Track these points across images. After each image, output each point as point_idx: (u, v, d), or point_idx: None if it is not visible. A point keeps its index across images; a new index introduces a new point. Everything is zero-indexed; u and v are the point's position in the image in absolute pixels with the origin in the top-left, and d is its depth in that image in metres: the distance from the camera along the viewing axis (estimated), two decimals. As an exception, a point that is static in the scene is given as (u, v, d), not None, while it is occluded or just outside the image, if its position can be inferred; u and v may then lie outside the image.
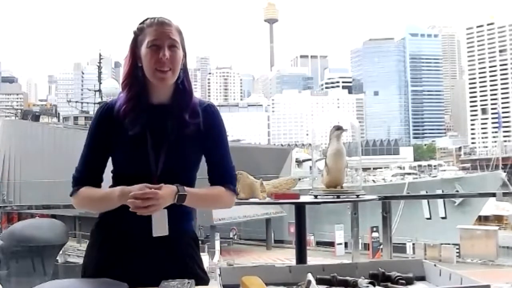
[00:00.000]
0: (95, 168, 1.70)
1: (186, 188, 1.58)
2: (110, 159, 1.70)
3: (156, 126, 1.64)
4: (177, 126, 1.63)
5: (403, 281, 1.18)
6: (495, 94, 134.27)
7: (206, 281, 1.62)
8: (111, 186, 1.66)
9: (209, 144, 1.69)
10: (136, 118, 1.62)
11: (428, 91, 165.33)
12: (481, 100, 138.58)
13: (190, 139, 1.65)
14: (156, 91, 1.66)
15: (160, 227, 1.59)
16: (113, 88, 46.20)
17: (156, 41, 1.60)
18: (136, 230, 1.61)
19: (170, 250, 1.64)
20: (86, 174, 1.69)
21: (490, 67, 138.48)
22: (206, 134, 1.67)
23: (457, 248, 20.83)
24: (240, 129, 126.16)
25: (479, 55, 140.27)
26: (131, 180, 1.60)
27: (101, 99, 44.10)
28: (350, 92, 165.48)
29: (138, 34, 1.64)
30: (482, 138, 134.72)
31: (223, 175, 1.72)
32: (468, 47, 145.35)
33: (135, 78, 1.65)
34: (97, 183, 1.69)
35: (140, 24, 1.65)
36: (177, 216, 1.64)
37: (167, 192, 1.54)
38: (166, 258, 1.63)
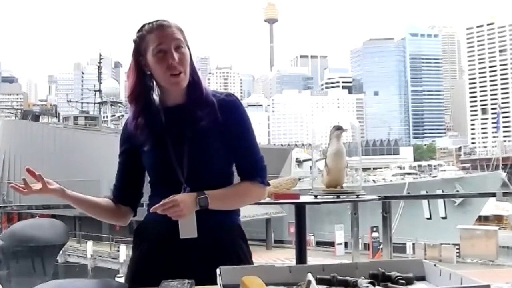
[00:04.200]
0: (128, 184, 1.72)
1: (206, 191, 1.56)
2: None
3: (174, 127, 1.62)
4: (193, 122, 1.60)
5: (403, 281, 1.17)
6: (495, 94, 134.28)
7: None
8: (150, 195, 1.68)
9: (231, 136, 1.63)
10: (151, 128, 1.62)
11: (428, 91, 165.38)
12: (481, 100, 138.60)
13: (208, 133, 1.61)
14: (170, 94, 1.64)
15: (188, 229, 1.56)
16: (113, 88, 46.25)
17: (161, 45, 1.56)
18: (175, 229, 1.59)
19: (215, 245, 1.61)
20: (118, 192, 1.73)
21: (490, 67, 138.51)
22: (226, 126, 1.62)
23: (457, 248, 20.82)
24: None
25: (479, 55, 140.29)
26: (162, 186, 1.63)
27: (101, 99, 44.15)
28: (350, 92, 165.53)
29: (140, 42, 1.60)
30: (482, 138, 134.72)
31: (249, 167, 1.67)
32: (468, 47, 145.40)
33: (144, 87, 1.63)
34: (134, 197, 1.73)
35: (139, 32, 1.61)
36: (221, 211, 1.63)
37: (186, 197, 1.54)
38: (211, 253, 1.59)
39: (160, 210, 1.51)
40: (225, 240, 1.64)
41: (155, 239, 1.64)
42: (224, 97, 1.66)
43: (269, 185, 1.74)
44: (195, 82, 1.64)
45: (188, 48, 1.62)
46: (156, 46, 1.56)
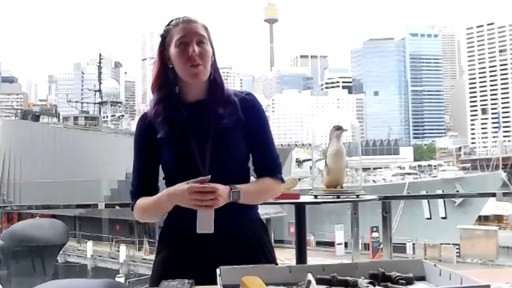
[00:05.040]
0: (148, 180, 1.72)
1: (237, 185, 1.59)
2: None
3: (196, 123, 1.64)
4: (216, 120, 1.63)
5: (403, 281, 1.18)
6: (495, 94, 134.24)
7: None
8: None
9: (251, 134, 1.67)
10: (171, 118, 1.63)
11: (428, 91, 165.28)
12: (481, 100, 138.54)
13: (231, 131, 1.63)
14: (191, 89, 1.66)
15: (205, 224, 1.56)
16: (113, 88, 46.28)
17: (183, 38, 1.60)
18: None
19: (237, 238, 1.63)
20: (141, 187, 1.72)
21: (490, 67, 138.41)
22: (246, 124, 1.66)
23: (457, 248, 20.83)
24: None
25: (479, 55, 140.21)
26: (183, 181, 1.61)
27: (101, 99, 44.16)
28: (350, 92, 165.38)
29: (165, 36, 1.64)
30: (482, 138, 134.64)
31: (269, 164, 1.71)
32: (468, 47, 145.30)
33: (165, 79, 1.65)
34: (153, 193, 1.71)
35: (166, 26, 1.66)
36: (243, 205, 1.64)
37: (224, 189, 1.55)
38: (234, 247, 1.62)
39: (197, 195, 1.50)
40: (249, 234, 1.67)
41: (178, 241, 1.65)
42: (245, 96, 1.70)
43: (284, 181, 1.78)
44: (216, 82, 1.67)
45: (212, 48, 1.66)
46: (179, 38, 1.60)
